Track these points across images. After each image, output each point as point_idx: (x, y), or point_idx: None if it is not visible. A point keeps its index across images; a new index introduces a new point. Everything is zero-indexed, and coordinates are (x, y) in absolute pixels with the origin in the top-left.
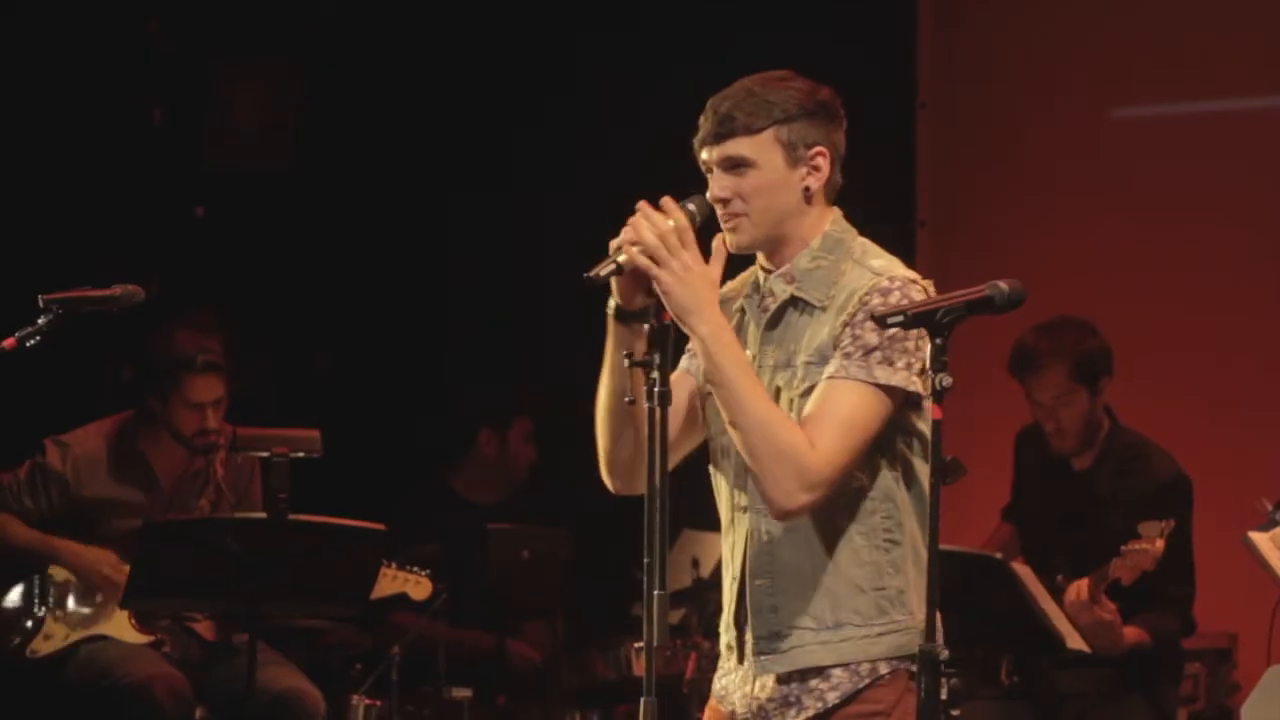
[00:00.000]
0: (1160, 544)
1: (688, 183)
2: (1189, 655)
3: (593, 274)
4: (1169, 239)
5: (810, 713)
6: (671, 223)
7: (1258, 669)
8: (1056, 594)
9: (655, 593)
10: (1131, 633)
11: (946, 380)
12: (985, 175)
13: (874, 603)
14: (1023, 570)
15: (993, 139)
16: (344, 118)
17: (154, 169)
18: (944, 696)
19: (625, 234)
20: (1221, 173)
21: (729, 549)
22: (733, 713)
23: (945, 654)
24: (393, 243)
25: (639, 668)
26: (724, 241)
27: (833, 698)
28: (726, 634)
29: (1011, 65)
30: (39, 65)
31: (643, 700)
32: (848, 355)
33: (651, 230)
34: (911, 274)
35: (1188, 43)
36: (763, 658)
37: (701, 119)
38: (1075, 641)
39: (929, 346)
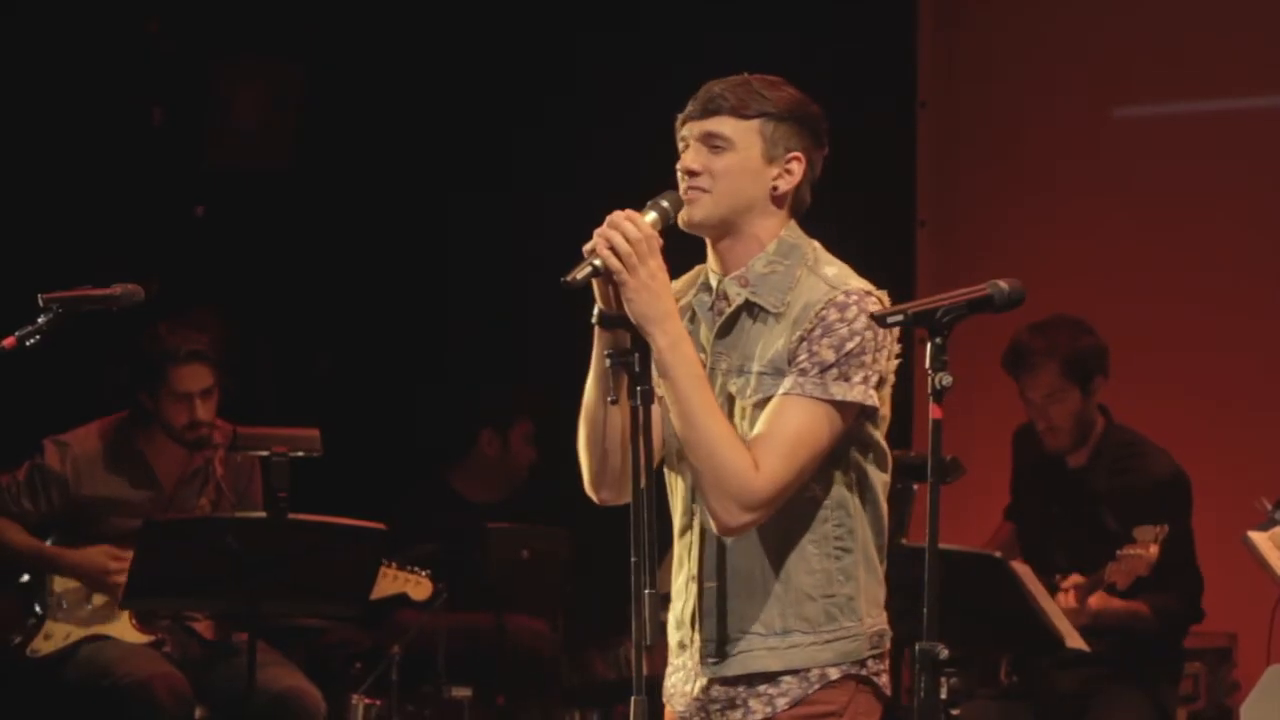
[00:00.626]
0: (1154, 550)
1: None
2: (1189, 655)
3: (570, 277)
4: (1169, 239)
5: (758, 716)
6: (641, 233)
7: (1258, 669)
8: (1056, 593)
9: (645, 591)
10: (1134, 604)
11: (946, 380)
12: (985, 175)
13: (823, 610)
14: (1023, 569)
15: (993, 139)
16: (344, 118)
17: (154, 169)
18: (944, 695)
19: (597, 239)
20: (1221, 173)
21: (684, 548)
22: (679, 712)
23: (945, 653)
24: (393, 243)
25: None
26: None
27: (781, 703)
28: (678, 631)
29: (1011, 65)
30: (39, 65)
31: (633, 699)
32: (804, 372)
33: (623, 237)
34: (865, 285)
35: (1188, 43)
36: (710, 660)
37: (691, 100)
38: (1075, 641)
39: (888, 359)
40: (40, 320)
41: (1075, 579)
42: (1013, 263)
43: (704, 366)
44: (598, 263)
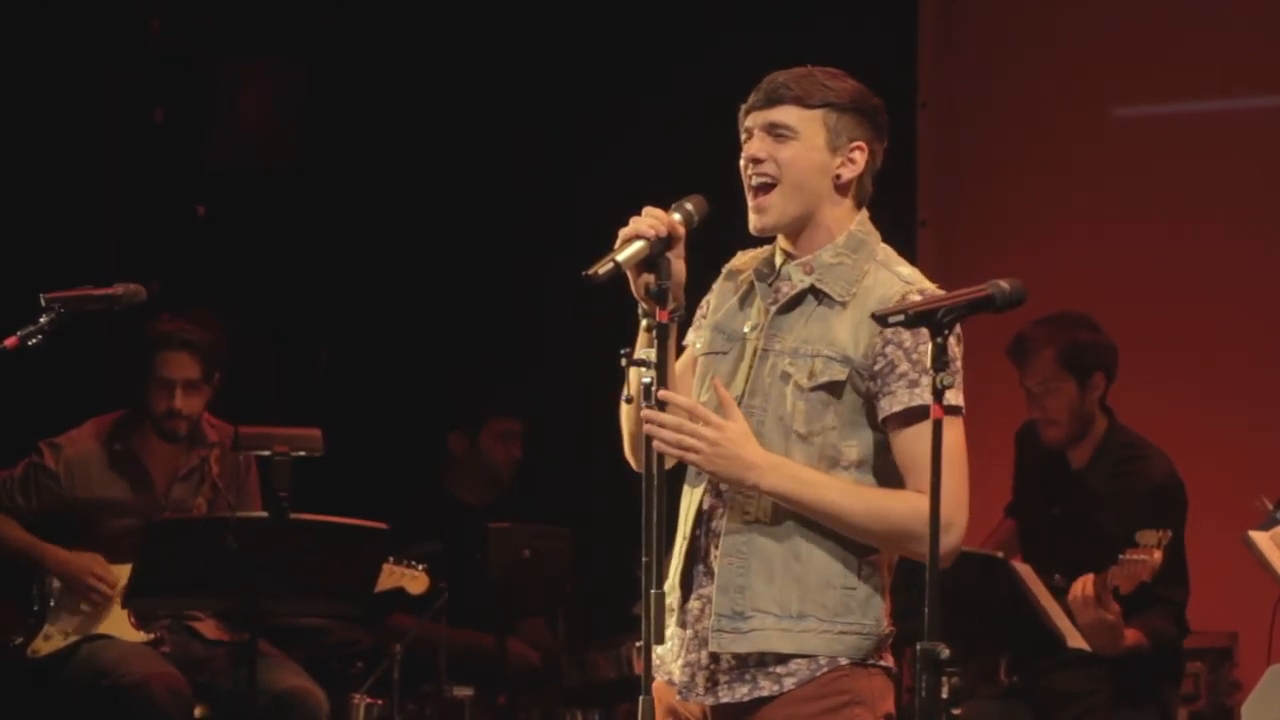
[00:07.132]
0: (1158, 555)
1: (693, 184)
2: (1189, 655)
3: (592, 272)
4: (1169, 238)
5: (765, 693)
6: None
7: (1258, 668)
8: (1055, 593)
9: (652, 592)
10: (1131, 635)
11: (947, 380)
12: (985, 175)
13: (841, 600)
14: (1023, 569)
15: (993, 139)
16: (346, 116)
17: (155, 168)
18: (945, 695)
19: (634, 224)
20: (1222, 172)
21: (684, 507)
22: (670, 680)
23: (946, 653)
24: (394, 242)
25: (640, 666)
26: (751, 224)
27: (789, 683)
28: (670, 595)
29: (1011, 65)
30: (40, 64)
31: (640, 699)
32: (914, 384)
33: (669, 432)
34: (936, 288)
35: (1188, 43)
36: (721, 635)
37: (754, 91)
38: (1075, 640)
39: (958, 349)
40: (42, 320)
41: (1088, 578)
42: (1013, 262)
43: (756, 339)
44: (620, 258)
